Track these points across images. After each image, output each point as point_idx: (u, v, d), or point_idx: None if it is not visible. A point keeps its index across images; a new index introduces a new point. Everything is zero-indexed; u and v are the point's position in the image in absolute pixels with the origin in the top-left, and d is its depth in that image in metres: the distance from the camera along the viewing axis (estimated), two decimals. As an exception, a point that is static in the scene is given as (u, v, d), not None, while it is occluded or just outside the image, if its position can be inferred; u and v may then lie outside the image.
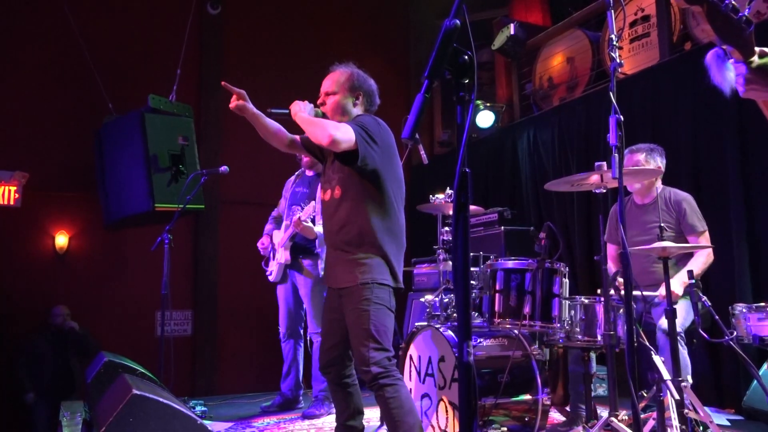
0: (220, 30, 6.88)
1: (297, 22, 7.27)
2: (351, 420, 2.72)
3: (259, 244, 4.53)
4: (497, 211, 5.03)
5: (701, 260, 3.33)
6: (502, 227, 4.91)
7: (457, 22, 1.09)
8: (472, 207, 3.64)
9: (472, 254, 3.98)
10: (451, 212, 3.69)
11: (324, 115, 2.73)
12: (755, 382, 3.29)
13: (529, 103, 6.47)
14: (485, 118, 6.43)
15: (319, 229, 4.07)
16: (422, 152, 3.70)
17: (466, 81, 1.11)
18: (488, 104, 6.47)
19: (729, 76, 1.23)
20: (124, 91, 5.94)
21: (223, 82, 2.75)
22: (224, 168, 4.30)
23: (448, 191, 3.72)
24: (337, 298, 2.64)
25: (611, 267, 3.44)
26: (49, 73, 6.18)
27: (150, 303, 6.11)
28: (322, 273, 4.15)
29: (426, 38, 7.85)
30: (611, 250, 3.65)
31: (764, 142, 3.83)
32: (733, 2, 1.19)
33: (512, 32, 6.04)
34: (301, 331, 4.48)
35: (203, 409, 4.47)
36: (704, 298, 2.96)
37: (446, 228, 3.81)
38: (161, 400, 2.24)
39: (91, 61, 5.82)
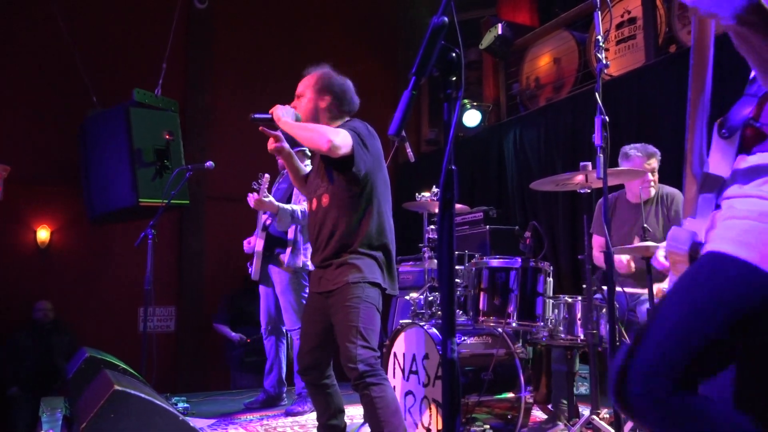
0: (207, 24, 6.84)
1: (285, 18, 7.25)
2: (333, 419, 2.71)
3: (245, 242, 4.51)
4: (483, 210, 5.05)
5: None
6: (488, 226, 4.93)
7: (445, 19, 1.09)
8: (457, 206, 3.65)
9: (457, 253, 4.00)
10: (437, 210, 3.70)
11: (299, 119, 2.71)
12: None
13: (516, 102, 6.51)
14: (472, 117, 6.46)
15: (284, 207, 4.04)
16: (409, 150, 3.70)
17: (454, 79, 1.11)
18: (475, 103, 6.50)
19: None
20: (108, 85, 5.88)
21: (261, 128, 2.65)
22: (210, 163, 4.27)
23: (435, 189, 3.72)
24: (322, 301, 2.62)
25: (600, 258, 3.48)
26: (33, 65, 6.11)
27: (133, 299, 6.06)
28: (301, 263, 4.16)
29: (415, 37, 7.85)
30: (598, 240, 3.68)
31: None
32: None
33: (500, 32, 6.07)
34: (283, 329, 4.48)
35: (185, 405, 4.44)
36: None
37: (432, 226, 3.82)
38: (143, 396, 2.22)
39: (75, 54, 5.76)
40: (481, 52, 6.57)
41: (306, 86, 2.74)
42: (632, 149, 3.51)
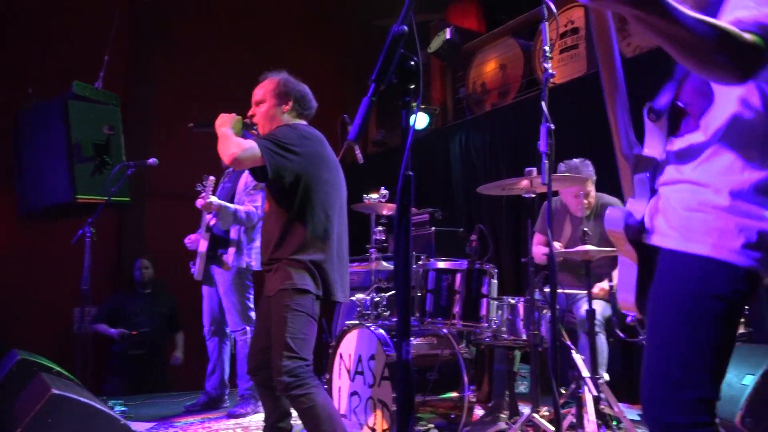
0: (153, 17, 6.64)
1: (235, 16, 7.11)
2: (280, 422, 2.71)
3: (186, 239, 4.43)
4: (428, 212, 5.12)
5: None
6: (433, 227, 5.01)
7: (405, 27, 1.12)
8: (405, 207, 3.69)
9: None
10: (384, 212, 3.74)
11: (254, 126, 2.73)
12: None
13: (463, 106, 6.61)
14: (419, 120, 6.53)
15: (230, 208, 4.03)
16: (358, 152, 3.72)
17: (412, 86, 1.14)
18: (422, 106, 6.57)
19: None
20: (45, 76, 5.63)
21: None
22: (153, 160, 4.18)
23: (383, 191, 3.75)
24: (268, 304, 2.64)
25: (537, 252, 3.62)
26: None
27: (69, 299, 5.83)
28: (245, 264, 4.14)
29: (363, 38, 7.86)
30: (539, 238, 3.82)
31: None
32: None
33: (448, 36, 6.15)
34: (227, 330, 4.42)
35: (123, 408, 4.32)
36: (622, 300, 3.12)
37: (379, 227, 3.85)
38: (82, 399, 2.16)
39: (10, 41, 5.50)
40: (428, 56, 6.65)
41: (265, 92, 2.73)
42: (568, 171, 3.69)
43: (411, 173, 1.09)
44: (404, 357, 0.95)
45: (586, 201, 3.66)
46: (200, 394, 4.53)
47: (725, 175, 1.26)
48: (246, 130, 2.72)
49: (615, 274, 3.52)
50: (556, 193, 3.90)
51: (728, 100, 1.29)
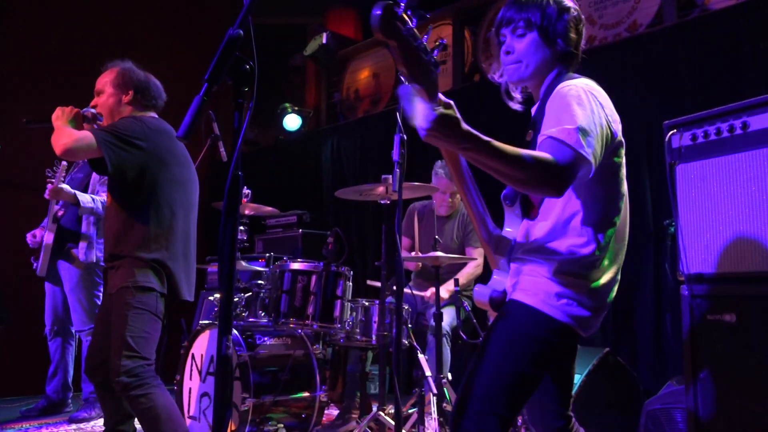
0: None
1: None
2: (121, 425, 2.61)
3: (29, 235, 4.12)
4: (297, 214, 5.14)
5: (470, 270, 3.78)
6: (301, 230, 5.03)
7: (241, 32, 1.14)
8: (267, 208, 3.71)
9: (267, 255, 4.05)
10: (246, 212, 3.72)
11: (99, 117, 2.63)
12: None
13: (336, 111, 6.70)
14: (292, 121, 6.52)
15: (85, 197, 3.85)
16: (222, 150, 3.67)
17: (246, 89, 1.16)
18: (296, 108, 6.57)
19: (417, 112, 1.27)
20: None
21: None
22: (-9, 145, 3.87)
23: (246, 190, 3.72)
24: (110, 301, 2.53)
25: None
26: None
27: None
28: (95, 259, 3.94)
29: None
30: (405, 242, 3.99)
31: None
32: (424, 43, 1.31)
33: (324, 41, 6.21)
34: (72, 329, 4.16)
35: (-57, 416, 3.93)
36: (466, 303, 3.33)
37: (241, 227, 3.81)
38: None
39: None
40: (305, 58, 6.67)
41: (105, 82, 2.64)
42: (441, 169, 3.88)
43: (240, 173, 1.11)
44: (224, 352, 0.97)
45: (450, 200, 3.87)
46: (40, 398, 4.22)
47: (558, 254, 1.55)
48: (88, 123, 2.59)
49: (461, 273, 3.74)
50: (416, 199, 4.08)
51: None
